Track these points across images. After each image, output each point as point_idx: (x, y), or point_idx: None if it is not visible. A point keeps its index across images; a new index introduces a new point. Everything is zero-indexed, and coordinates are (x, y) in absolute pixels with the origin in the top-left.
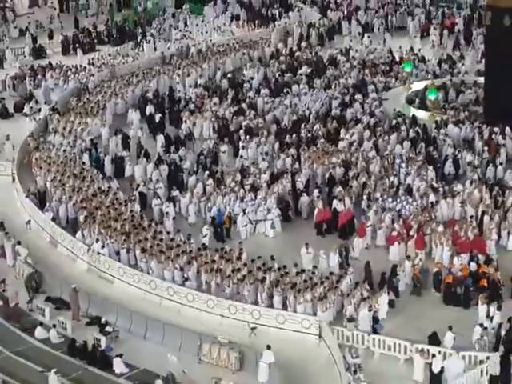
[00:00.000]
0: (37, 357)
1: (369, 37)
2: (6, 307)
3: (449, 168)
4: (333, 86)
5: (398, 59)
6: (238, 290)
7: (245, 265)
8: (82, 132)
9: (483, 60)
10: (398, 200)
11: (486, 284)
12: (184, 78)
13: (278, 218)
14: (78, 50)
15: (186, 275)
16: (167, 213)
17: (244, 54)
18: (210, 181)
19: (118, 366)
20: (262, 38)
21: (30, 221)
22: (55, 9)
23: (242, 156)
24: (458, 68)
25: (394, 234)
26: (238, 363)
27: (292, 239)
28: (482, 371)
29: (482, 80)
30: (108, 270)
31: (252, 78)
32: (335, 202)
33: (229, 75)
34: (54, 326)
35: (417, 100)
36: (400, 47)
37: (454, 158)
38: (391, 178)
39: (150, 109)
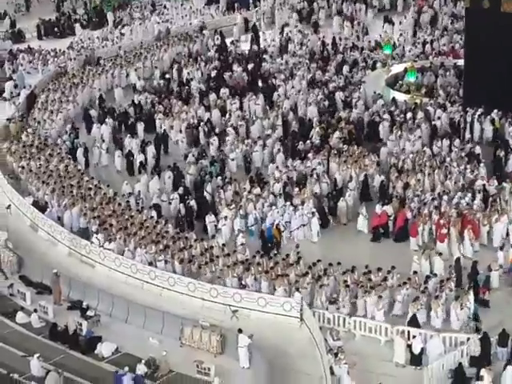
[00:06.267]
0: (18, 341)
1: (296, 26)
2: None
3: None
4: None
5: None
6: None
7: (309, 268)
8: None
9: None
10: (457, 197)
11: None
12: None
13: (318, 222)
14: (76, 24)
15: (243, 282)
16: (219, 230)
17: (185, 46)
18: (229, 187)
19: (107, 348)
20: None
21: (10, 205)
22: None
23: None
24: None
25: (444, 231)
26: (219, 346)
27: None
28: (462, 352)
29: (461, 63)
30: (89, 254)
31: (192, 79)
32: (385, 207)
33: (167, 75)
34: (36, 310)
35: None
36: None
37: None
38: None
39: (110, 122)
